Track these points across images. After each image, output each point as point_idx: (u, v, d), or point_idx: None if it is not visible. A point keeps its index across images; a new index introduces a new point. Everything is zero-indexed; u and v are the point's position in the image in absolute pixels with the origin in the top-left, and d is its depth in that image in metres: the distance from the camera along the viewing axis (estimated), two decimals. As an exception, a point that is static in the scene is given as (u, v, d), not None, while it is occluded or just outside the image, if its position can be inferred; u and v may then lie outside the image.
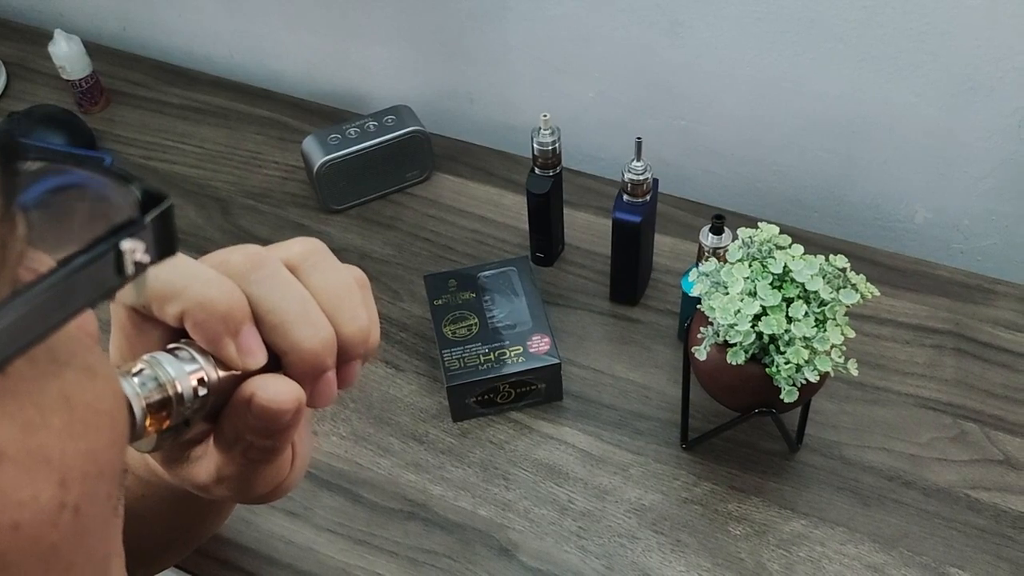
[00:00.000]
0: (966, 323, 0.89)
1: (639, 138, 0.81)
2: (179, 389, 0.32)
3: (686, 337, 0.76)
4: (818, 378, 0.68)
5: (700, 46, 0.97)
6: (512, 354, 0.83)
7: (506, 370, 0.82)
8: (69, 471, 0.23)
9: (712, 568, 0.74)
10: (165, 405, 0.32)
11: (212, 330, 0.32)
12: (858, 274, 0.71)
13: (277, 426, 0.33)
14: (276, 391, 0.33)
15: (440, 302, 0.88)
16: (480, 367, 0.82)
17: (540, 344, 0.83)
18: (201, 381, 0.32)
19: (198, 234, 1.03)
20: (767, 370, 0.69)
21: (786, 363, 0.67)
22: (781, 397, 0.68)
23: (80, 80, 1.16)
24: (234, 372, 0.33)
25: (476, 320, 0.86)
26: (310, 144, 1.03)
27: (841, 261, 0.71)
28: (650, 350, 0.89)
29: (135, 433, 0.31)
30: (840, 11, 0.88)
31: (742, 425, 0.78)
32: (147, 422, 0.31)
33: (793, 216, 1.04)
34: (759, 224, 0.73)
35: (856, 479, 0.79)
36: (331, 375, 0.35)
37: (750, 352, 0.69)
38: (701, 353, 0.71)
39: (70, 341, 0.24)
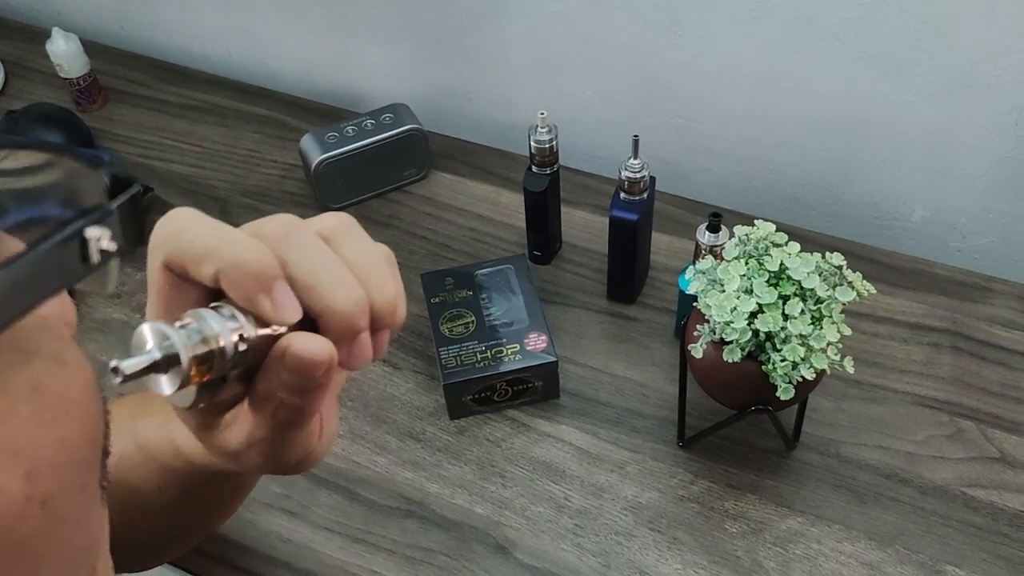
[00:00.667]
0: (963, 321, 0.89)
1: (636, 136, 0.81)
2: (222, 343, 0.33)
3: (683, 335, 0.76)
4: (814, 376, 0.68)
5: (698, 45, 0.97)
6: (509, 352, 0.83)
7: (503, 368, 0.82)
8: (38, 462, 0.23)
9: (708, 565, 0.74)
10: (208, 358, 0.33)
11: (246, 287, 0.33)
12: (855, 272, 0.71)
13: (309, 381, 0.34)
14: (310, 344, 0.34)
15: (437, 300, 0.88)
16: (477, 365, 0.82)
17: (537, 342, 0.83)
18: (241, 337, 0.34)
19: (196, 232, 1.03)
20: (763, 367, 0.69)
21: (782, 360, 0.67)
22: (777, 395, 0.68)
23: (78, 79, 1.16)
24: (271, 332, 0.34)
25: (473, 318, 0.86)
26: (308, 142, 1.03)
27: (837, 259, 0.71)
28: (647, 348, 0.89)
29: (182, 379, 0.32)
30: (837, 9, 0.88)
31: (739, 423, 0.78)
32: (192, 373, 0.33)
33: (791, 215, 1.04)
34: (756, 222, 0.73)
35: (853, 477, 0.79)
36: (366, 336, 0.36)
37: (746, 349, 0.69)
38: (697, 351, 0.71)
39: (38, 329, 0.24)
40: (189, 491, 0.48)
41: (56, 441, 0.23)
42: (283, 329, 0.34)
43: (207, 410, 0.38)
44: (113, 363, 0.30)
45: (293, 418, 0.36)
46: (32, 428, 0.23)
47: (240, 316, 0.34)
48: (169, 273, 0.34)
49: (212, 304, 0.34)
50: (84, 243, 0.24)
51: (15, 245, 0.24)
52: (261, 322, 0.34)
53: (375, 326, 0.36)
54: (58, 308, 0.26)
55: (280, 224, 0.35)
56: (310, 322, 0.35)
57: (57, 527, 0.24)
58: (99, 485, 0.28)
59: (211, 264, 0.33)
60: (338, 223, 0.37)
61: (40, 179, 0.26)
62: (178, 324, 0.33)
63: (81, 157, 0.25)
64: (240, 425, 0.37)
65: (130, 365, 0.31)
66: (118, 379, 0.30)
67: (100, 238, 0.24)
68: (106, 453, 0.29)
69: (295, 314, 0.34)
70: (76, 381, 0.25)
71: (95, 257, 0.24)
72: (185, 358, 0.32)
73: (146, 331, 0.32)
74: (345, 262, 0.35)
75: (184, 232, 0.33)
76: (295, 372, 0.34)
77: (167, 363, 0.32)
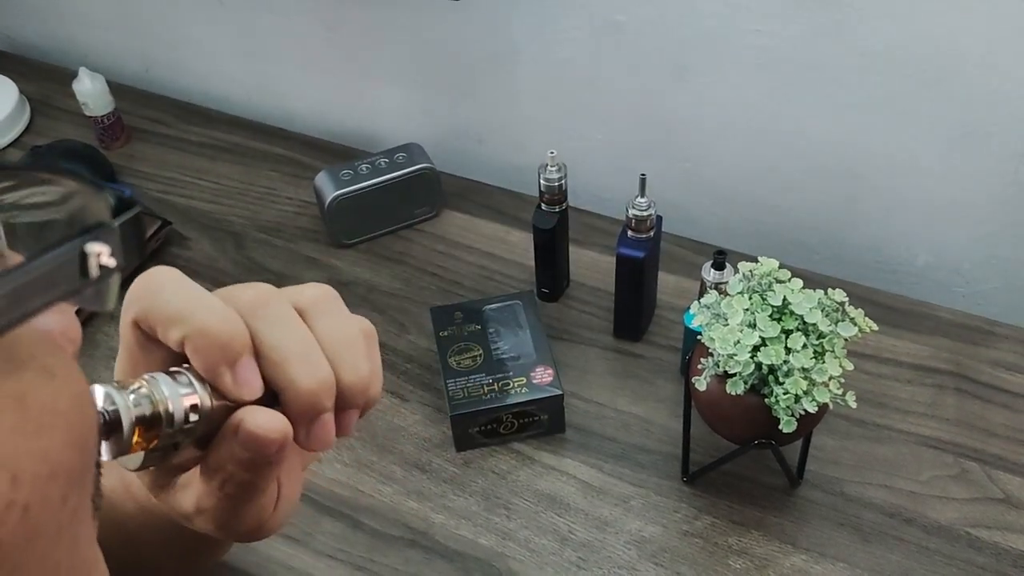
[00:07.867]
0: (968, 364, 0.89)
1: (643, 174, 0.83)
2: (170, 409, 0.33)
3: (687, 369, 0.77)
4: (816, 409, 0.68)
5: (704, 90, 0.99)
6: (516, 385, 0.84)
7: (509, 400, 0.83)
8: (20, 471, 0.23)
9: (711, 601, 0.74)
10: (155, 423, 0.32)
11: (211, 358, 0.33)
12: (856, 308, 0.72)
13: (261, 457, 0.34)
14: (264, 421, 0.33)
15: (446, 333, 0.89)
16: (484, 397, 0.83)
17: (543, 375, 0.84)
18: (194, 407, 0.33)
19: (212, 266, 1.04)
20: (766, 400, 0.70)
21: (785, 393, 0.68)
22: (780, 427, 0.69)
23: (102, 117, 1.19)
24: (229, 403, 0.34)
25: (481, 351, 0.87)
26: (322, 179, 1.05)
27: (839, 295, 0.72)
28: (653, 385, 0.90)
29: (122, 446, 0.32)
30: (839, 58, 0.90)
31: (743, 460, 0.78)
32: (135, 437, 0.32)
33: (795, 257, 1.04)
34: (759, 258, 0.74)
35: (857, 515, 0.79)
36: (328, 417, 0.35)
37: (749, 383, 0.70)
38: (701, 383, 0.72)
39: (32, 342, 0.25)
40: (169, 530, 0.45)
41: (38, 452, 0.24)
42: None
43: (160, 471, 0.37)
44: None
45: (243, 492, 0.35)
46: (15, 437, 0.23)
47: (198, 385, 0.33)
48: (139, 331, 0.35)
49: (172, 368, 0.34)
50: (84, 257, 0.25)
51: (17, 259, 0.25)
52: (220, 393, 0.34)
53: (344, 404, 0.36)
54: (61, 323, 0.27)
55: (257, 294, 0.35)
56: (273, 396, 0.35)
57: (35, 538, 0.24)
58: (90, 501, 0.27)
59: (179, 329, 0.33)
60: (317, 296, 0.36)
61: (53, 212, 0.26)
62: (132, 387, 0.33)
63: (88, 181, 0.26)
64: (192, 489, 0.37)
65: None
66: None
67: (100, 253, 0.25)
68: (98, 468, 0.29)
69: (256, 391, 0.34)
70: (64, 394, 0.25)
71: (94, 271, 0.25)
72: (127, 421, 0.32)
73: (97, 391, 0.32)
74: (319, 337, 0.35)
75: (160, 292, 0.33)
76: (247, 447, 0.33)
77: (109, 428, 0.31)
